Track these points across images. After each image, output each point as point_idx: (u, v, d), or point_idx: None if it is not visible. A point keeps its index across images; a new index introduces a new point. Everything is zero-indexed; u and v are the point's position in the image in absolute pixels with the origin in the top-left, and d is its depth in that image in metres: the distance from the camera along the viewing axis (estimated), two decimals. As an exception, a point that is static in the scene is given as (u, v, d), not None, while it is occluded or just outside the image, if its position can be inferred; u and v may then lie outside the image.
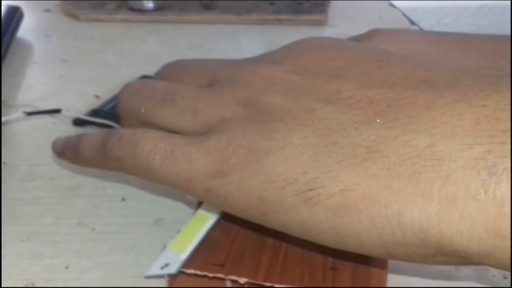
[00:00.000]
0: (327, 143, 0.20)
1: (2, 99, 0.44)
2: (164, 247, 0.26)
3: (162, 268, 0.25)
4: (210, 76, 0.25)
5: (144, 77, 0.47)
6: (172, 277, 0.24)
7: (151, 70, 0.49)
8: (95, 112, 0.41)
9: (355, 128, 0.20)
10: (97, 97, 0.45)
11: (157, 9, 0.66)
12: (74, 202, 0.32)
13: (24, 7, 0.60)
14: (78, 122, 0.41)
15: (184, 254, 0.26)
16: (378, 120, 0.20)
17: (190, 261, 0.24)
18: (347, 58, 0.23)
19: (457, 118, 0.19)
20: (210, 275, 0.24)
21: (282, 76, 0.23)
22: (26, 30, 0.60)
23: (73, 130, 0.40)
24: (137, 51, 0.56)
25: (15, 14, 0.57)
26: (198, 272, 0.24)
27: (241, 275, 0.24)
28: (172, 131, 0.25)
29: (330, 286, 0.23)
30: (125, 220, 0.31)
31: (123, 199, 0.32)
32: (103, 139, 0.25)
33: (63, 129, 0.40)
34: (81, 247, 0.29)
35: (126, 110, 0.27)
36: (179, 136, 0.23)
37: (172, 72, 0.29)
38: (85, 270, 0.27)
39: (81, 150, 0.27)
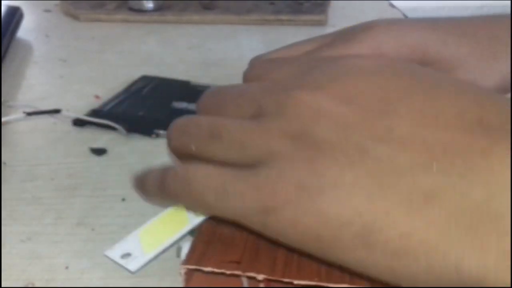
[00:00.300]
0: (382, 184, 0.20)
1: (2, 99, 0.44)
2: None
3: (122, 257, 0.26)
4: (255, 106, 0.24)
5: (144, 77, 0.48)
6: (188, 274, 0.25)
7: (151, 70, 0.49)
8: (95, 112, 0.42)
9: (411, 172, 0.20)
10: (97, 97, 0.45)
11: (157, 9, 0.66)
12: (74, 202, 0.32)
13: (24, 7, 0.60)
14: (78, 122, 0.41)
15: (151, 254, 0.27)
16: (434, 166, 0.19)
17: (206, 258, 0.25)
18: (397, 89, 0.22)
19: None
20: (228, 272, 0.24)
21: (329, 106, 0.22)
22: (26, 30, 0.60)
23: (73, 130, 0.40)
24: (137, 51, 0.56)
25: (15, 14, 0.57)
26: (216, 270, 0.24)
27: (258, 271, 0.24)
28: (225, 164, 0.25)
29: (347, 281, 0.23)
30: (125, 220, 0.31)
31: (123, 199, 0.32)
32: (162, 176, 0.26)
33: (63, 129, 0.40)
34: (81, 247, 0.29)
35: (177, 148, 0.27)
36: (230, 171, 0.23)
37: (215, 103, 0.27)
38: (85, 270, 0.27)
39: (146, 187, 0.28)
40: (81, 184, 0.34)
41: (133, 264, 0.26)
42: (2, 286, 0.26)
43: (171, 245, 0.27)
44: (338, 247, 0.21)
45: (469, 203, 0.19)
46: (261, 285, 0.25)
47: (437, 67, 0.32)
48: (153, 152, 0.37)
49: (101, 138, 0.39)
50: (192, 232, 0.27)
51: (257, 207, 0.22)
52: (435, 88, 0.22)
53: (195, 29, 0.63)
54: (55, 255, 0.28)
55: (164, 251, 0.27)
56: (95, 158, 0.37)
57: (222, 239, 0.26)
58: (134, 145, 0.38)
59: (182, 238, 0.27)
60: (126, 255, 0.27)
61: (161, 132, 0.39)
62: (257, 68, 0.28)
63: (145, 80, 0.47)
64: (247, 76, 0.29)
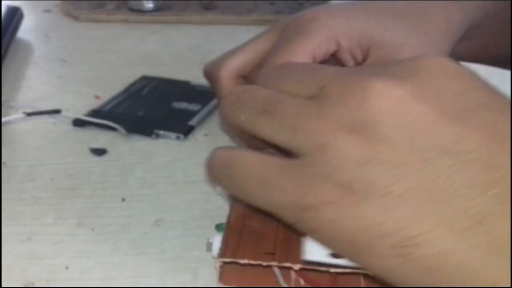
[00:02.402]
0: (433, 200, 0.20)
1: (2, 99, 0.44)
2: None
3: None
4: (319, 86, 0.23)
5: (144, 77, 0.48)
6: (222, 268, 0.25)
7: (151, 70, 0.49)
8: (95, 112, 0.42)
9: (464, 194, 0.19)
10: (97, 97, 0.45)
11: (157, 9, 0.66)
12: (74, 202, 0.32)
13: (24, 7, 0.60)
14: (78, 122, 0.41)
15: None
16: (489, 193, 0.19)
17: (240, 251, 0.25)
18: (475, 98, 0.21)
19: None
20: (264, 263, 0.24)
21: (402, 99, 0.21)
22: (26, 30, 0.60)
23: (73, 131, 0.40)
24: (137, 51, 0.56)
25: (15, 14, 0.57)
26: (252, 262, 0.24)
27: (294, 261, 0.24)
28: (269, 143, 0.24)
29: None
30: (125, 220, 0.31)
31: (123, 199, 0.32)
32: (208, 159, 0.25)
33: (63, 129, 0.40)
34: (81, 247, 0.29)
35: (226, 116, 0.26)
36: (274, 162, 0.22)
37: (279, 75, 0.26)
38: (85, 270, 0.27)
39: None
40: (81, 184, 0.34)
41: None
42: (2, 286, 0.26)
43: None
44: (371, 254, 0.20)
45: None
46: (293, 275, 0.25)
47: (384, 50, 0.33)
48: (153, 152, 0.37)
49: (101, 138, 0.39)
50: (218, 227, 0.27)
51: (297, 204, 0.21)
52: (508, 103, 0.21)
53: (195, 29, 0.63)
54: (55, 255, 0.28)
55: None
56: (95, 158, 0.37)
57: (252, 231, 0.26)
58: (134, 145, 0.38)
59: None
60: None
61: (161, 132, 0.39)
62: None
63: (145, 80, 0.47)
64: None
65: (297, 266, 0.24)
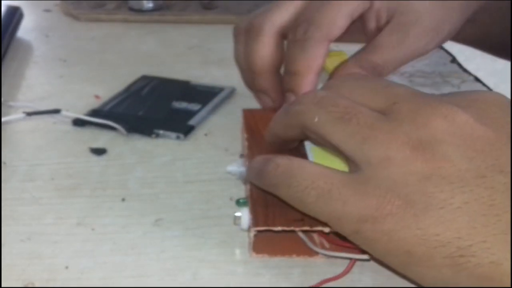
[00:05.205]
0: (487, 213, 0.21)
1: (2, 99, 0.44)
2: None
3: None
4: (391, 102, 0.25)
5: (144, 77, 0.48)
6: (256, 235, 0.26)
7: (151, 70, 0.49)
8: (95, 112, 0.42)
9: None
10: (97, 97, 0.45)
11: (157, 9, 0.66)
12: (74, 202, 0.32)
13: (24, 7, 0.60)
14: (78, 122, 0.41)
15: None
16: None
17: (271, 220, 0.26)
18: None
19: None
20: (297, 229, 0.26)
21: (464, 123, 0.23)
22: (26, 30, 0.60)
23: (73, 130, 0.40)
24: (137, 51, 0.56)
25: (15, 14, 0.57)
26: (286, 228, 0.26)
27: (324, 225, 0.25)
28: (333, 147, 0.25)
29: None
30: (125, 220, 0.31)
31: (123, 199, 0.32)
32: (262, 165, 0.26)
33: (63, 129, 0.40)
34: (81, 247, 0.29)
35: (299, 112, 0.27)
36: (337, 175, 0.24)
37: (355, 84, 0.27)
38: (85, 270, 0.27)
39: (248, 172, 0.29)
40: (81, 184, 0.34)
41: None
42: (2, 286, 0.26)
43: None
44: (425, 264, 0.22)
45: None
46: (318, 239, 0.27)
47: (407, 16, 0.34)
48: (153, 152, 0.37)
49: (101, 138, 0.39)
50: (239, 202, 0.28)
51: (357, 215, 0.23)
52: None
53: (195, 29, 0.63)
54: (55, 255, 0.28)
55: None
56: (95, 158, 0.37)
57: (276, 203, 0.27)
58: (134, 145, 0.38)
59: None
60: None
61: (161, 132, 0.39)
62: None
63: (145, 80, 0.47)
64: None
65: (326, 229, 0.25)
